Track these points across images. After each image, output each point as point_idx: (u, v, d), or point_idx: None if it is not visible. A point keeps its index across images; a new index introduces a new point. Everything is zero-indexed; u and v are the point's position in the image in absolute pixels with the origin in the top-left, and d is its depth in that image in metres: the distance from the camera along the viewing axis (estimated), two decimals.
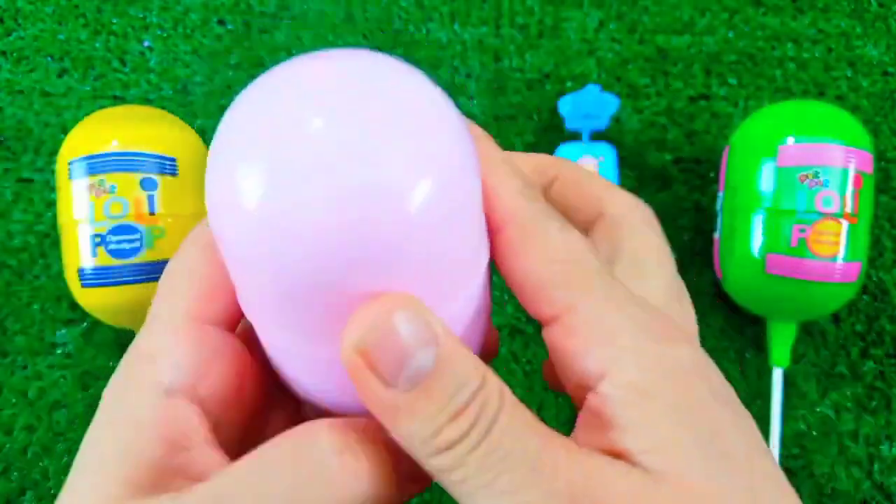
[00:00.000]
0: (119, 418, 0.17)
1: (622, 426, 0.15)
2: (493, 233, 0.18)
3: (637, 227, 0.21)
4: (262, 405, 0.20)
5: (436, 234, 0.14)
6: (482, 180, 0.17)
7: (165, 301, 0.18)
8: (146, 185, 0.37)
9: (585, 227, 0.22)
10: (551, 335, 0.17)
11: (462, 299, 0.17)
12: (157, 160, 0.38)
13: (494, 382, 0.15)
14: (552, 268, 0.17)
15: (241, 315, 0.18)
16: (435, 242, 0.15)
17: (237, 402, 0.18)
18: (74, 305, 0.45)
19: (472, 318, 0.18)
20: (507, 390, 0.15)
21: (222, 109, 0.55)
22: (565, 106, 0.45)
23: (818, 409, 0.45)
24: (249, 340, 0.19)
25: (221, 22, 0.51)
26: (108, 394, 0.17)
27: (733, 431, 0.16)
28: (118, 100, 0.49)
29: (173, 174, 0.38)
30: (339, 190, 0.13)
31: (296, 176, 0.13)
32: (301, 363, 0.17)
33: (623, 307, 0.16)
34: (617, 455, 0.15)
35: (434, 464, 0.15)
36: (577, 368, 0.16)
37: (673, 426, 0.15)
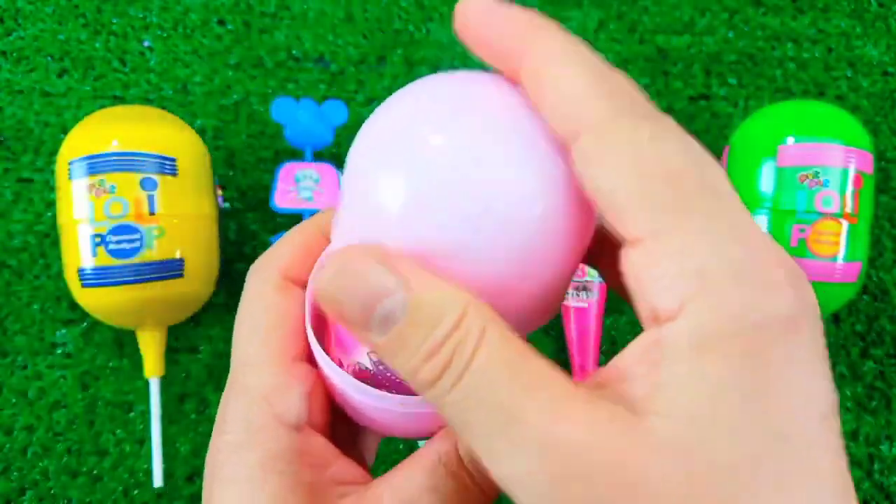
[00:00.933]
0: (252, 459, 0.18)
1: (658, 383, 0.13)
2: (568, 142, 0.15)
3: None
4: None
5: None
6: (547, 74, 0.15)
7: (258, 343, 0.20)
8: (146, 185, 0.37)
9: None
10: (629, 256, 0.14)
11: (539, 286, 0.17)
12: (157, 160, 0.38)
13: (476, 318, 0.14)
14: (641, 184, 0.14)
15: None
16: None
17: (330, 423, 0.20)
18: (74, 305, 0.45)
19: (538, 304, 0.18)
20: (493, 326, 0.14)
21: (222, 109, 0.55)
22: None
23: None
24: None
25: (221, 22, 0.51)
26: (224, 439, 0.19)
27: (801, 443, 0.13)
28: (118, 100, 0.49)
29: (173, 174, 0.38)
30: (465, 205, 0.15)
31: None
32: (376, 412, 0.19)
33: (719, 243, 0.14)
34: (632, 408, 0.13)
35: (427, 399, 0.15)
36: (648, 299, 0.14)
37: (713, 406, 0.13)
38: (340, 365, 0.20)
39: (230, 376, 0.20)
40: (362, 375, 0.19)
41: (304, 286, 0.21)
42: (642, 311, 0.15)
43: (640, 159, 0.14)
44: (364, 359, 0.19)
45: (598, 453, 0.13)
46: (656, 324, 0.14)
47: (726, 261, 0.14)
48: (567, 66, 0.16)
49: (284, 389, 0.19)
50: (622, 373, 0.14)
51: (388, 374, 0.19)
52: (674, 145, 0.15)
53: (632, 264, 0.14)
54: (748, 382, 0.13)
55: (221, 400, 0.19)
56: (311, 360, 0.20)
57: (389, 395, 0.18)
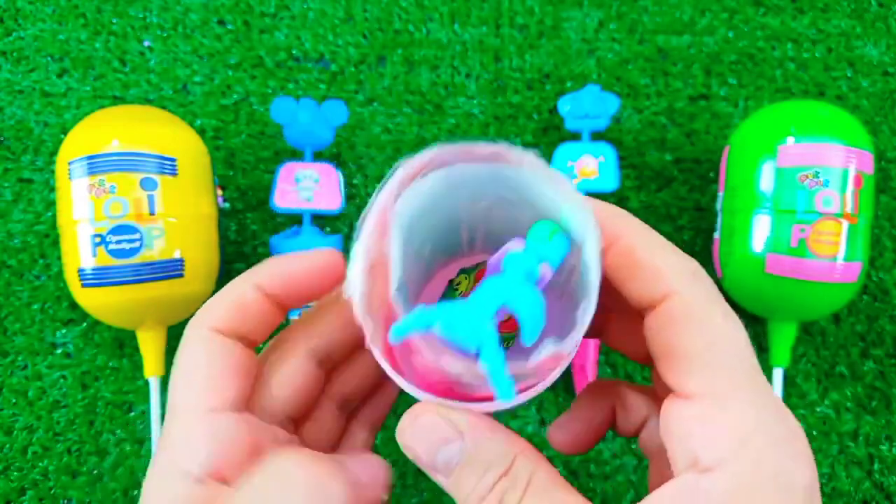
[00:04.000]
0: None
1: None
2: (648, 307, 0.19)
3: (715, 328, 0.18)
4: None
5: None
6: (643, 257, 0.19)
7: (179, 393, 0.21)
8: (146, 185, 0.37)
9: (641, 306, 0.19)
10: (681, 407, 0.18)
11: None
12: (157, 160, 0.38)
13: (523, 467, 0.18)
14: (709, 349, 0.17)
15: (247, 395, 0.22)
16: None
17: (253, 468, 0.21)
18: (74, 305, 0.45)
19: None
20: (539, 475, 0.18)
21: (222, 109, 0.55)
22: (565, 106, 0.45)
23: (818, 409, 0.45)
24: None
25: (221, 22, 0.51)
26: (147, 485, 0.20)
27: None
28: (118, 100, 0.49)
29: (173, 174, 0.38)
30: None
31: None
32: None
33: (763, 414, 0.17)
34: None
35: None
36: (692, 448, 0.17)
37: None
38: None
39: (164, 420, 0.21)
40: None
41: (236, 338, 0.22)
42: (681, 455, 0.17)
43: (713, 330, 0.18)
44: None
45: None
46: (695, 471, 0.17)
47: (767, 430, 0.17)
48: (652, 238, 0.20)
49: (191, 440, 0.20)
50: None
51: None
52: (737, 325, 0.18)
53: (681, 415, 0.17)
54: None
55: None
56: (243, 409, 0.21)
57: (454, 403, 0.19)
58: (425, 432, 0.18)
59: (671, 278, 0.18)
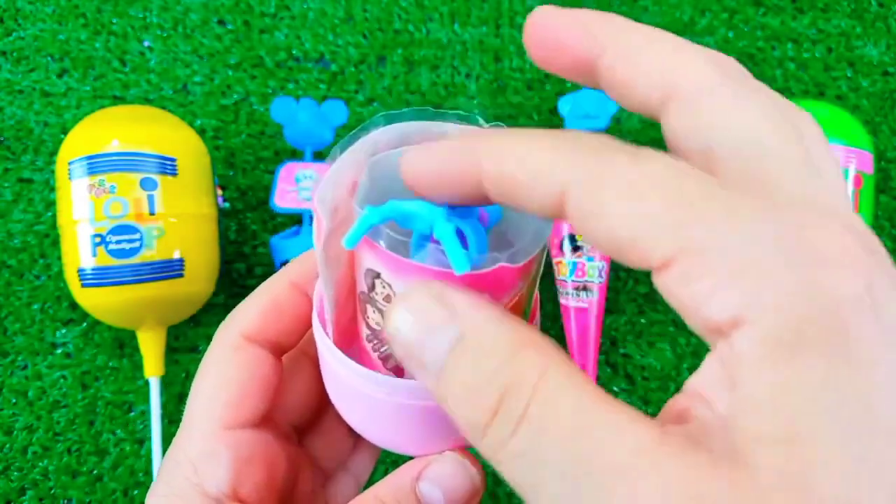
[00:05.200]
0: None
1: (744, 408, 0.12)
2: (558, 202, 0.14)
3: (731, 106, 0.14)
4: (292, 476, 0.22)
5: None
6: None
7: (200, 407, 0.20)
8: (146, 185, 0.37)
9: (649, 110, 0.16)
10: (664, 282, 0.13)
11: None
12: (157, 160, 0.38)
13: (533, 361, 0.13)
14: (642, 214, 0.13)
15: (272, 406, 0.21)
16: None
17: (270, 489, 0.20)
18: (74, 305, 0.45)
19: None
20: (556, 371, 0.13)
21: (222, 109, 0.55)
22: (565, 106, 0.45)
23: None
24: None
25: (221, 22, 0.51)
26: (151, 500, 0.19)
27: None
28: (118, 100, 0.49)
29: (173, 174, 0.38)
30: None
31: None
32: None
33: (749, 227, 0.12)
34: (730, 451, 0.12)
35: (483, 450, 0.13)
36: (704, 317, 0.12)
37: (813, 415, 0.11)
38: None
39: (178, 432, 0.20)
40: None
41: (268, 346, 0.21)
42: (702, 328, 0.13)
43: (630, 188, 0.13)
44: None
45: None
46: (722, 336, 0.12)
47: (769, 248, 0.12)
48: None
49: (211, 457, 0.19)
50: (700, 398, 0.13)
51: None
52: (656, 158, 0.14)
53: (669, 289, 0.13)
54: (840, 381, 0.11)
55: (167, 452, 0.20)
56: (259, 425, 0.21)
57: (373, 372, 0.19)
58: (414, 316, 0.14)
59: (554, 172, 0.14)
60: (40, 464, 0.43)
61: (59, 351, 0.44)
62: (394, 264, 0.17)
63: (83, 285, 0.37)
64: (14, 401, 0.44)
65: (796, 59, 0.50)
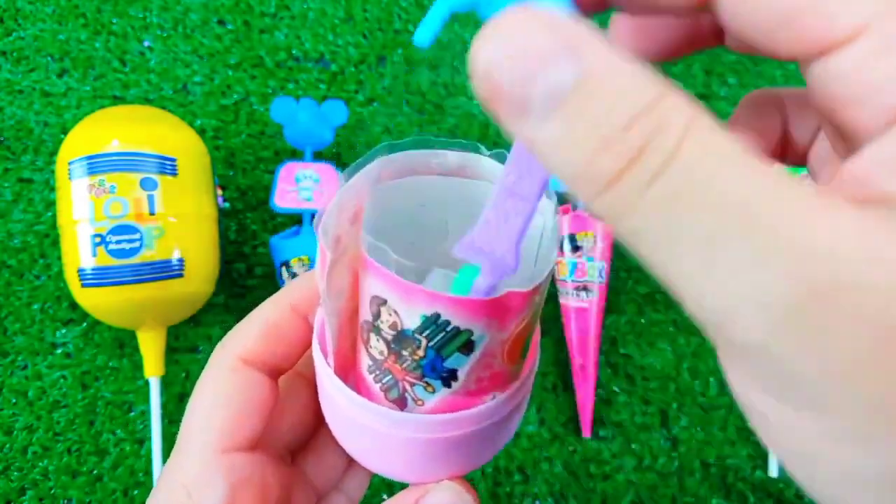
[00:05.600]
0: None
1: None
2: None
3: None
4: (285, 497, 0.22)
5: None
6: None
7: (196, 429, 0.20)
8: (146, 185, 0.37)
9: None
10: (836, 68, 0.11)
11: None
12: (157, 160, 0.38)
13: (677, 101, 0.11)
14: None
15: (267, 429, 0.21)
16: None
17: None
18: (74, 305, 0.45)
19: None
20: (703, 116, 0.11)
21: (222, 109, 0.55)
22: None
23: None
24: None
25: (221, 22, 0.51)
26: None
27: None
28: (118, 100, 0.49)
29: (173, 174, 0.38)
30: None
31: None
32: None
33: None
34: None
35: (600, 210, 0.11)
36: (881, 100, 0.11)
37: None
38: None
39: (172, 453, 0.20)
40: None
41: (265, 369, 0.21)
42: (867, 119, 0.11)
43: None
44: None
45: (878, 263, 0.10)
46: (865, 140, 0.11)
47: None
48: None
49: (206, 482, 0.19)
50: (872, 170, 0.11)
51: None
52: None
53: (845, 72, 0.11)
54: None
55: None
56: (254, 448, 0.21)
57: (375, 405, 0.19)
58: (516, 43, 0.11)
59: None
60: (40, 464, 0.43)
61: (59, 351, 0.44)
62: (402, 290, 0.17)
63: (83, 285, 0.37)
64: (14, 401, 0.44)
65: None
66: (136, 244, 0.37)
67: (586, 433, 0.43)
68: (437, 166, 0.19)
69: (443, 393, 0.19)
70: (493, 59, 0.11)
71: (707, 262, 0.10)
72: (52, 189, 0.47)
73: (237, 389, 0.20)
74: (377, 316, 0.18)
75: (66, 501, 0.42)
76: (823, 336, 0.10)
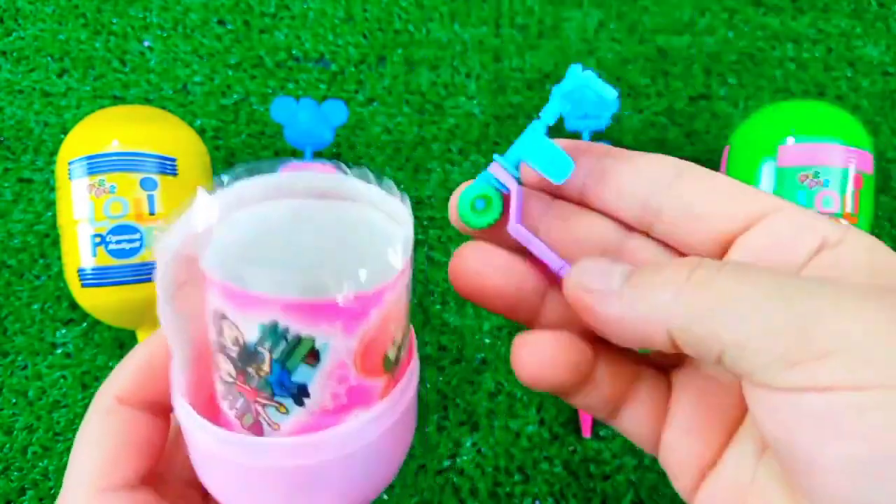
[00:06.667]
0: None
1: None
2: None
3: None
4: None
5: None
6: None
7: (73, 473, 0.20)
8: (146, 185, 0.37)
9: (722, 245, 0.19)
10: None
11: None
12: (157, 160, 0.38)
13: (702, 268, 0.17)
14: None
15: (161, 464, 0.20)
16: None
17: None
18: (74, 305, 0.45)
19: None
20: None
21: (222, 109, 0.55)
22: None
23: None
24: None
25: (221, 22, 0.51)
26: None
27: None
28: (118, 100, 0.49)
29: (173, 174, 0.38)
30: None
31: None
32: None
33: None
34: None
35: (682, 306, 0.16)
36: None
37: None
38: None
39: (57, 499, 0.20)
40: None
41: (145, 406, 0.20)
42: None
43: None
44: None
45: None
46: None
47: None
48: None
49: None
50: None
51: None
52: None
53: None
54: None
55: None
56: (140, 485, 0.20)
57: (227, 432, 0.18)
58: (591, 266, 0.19)
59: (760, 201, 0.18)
60: (40, 464, 0.43)
61: (59, 351, 0.44)
62: (236, 299, 0.16)
63: (83, 285, 0.37)
64: (14, 401, 0.44)
65: (796, 59, 0.50)
66: (137, 244, 0.37)
67: (586, 433, 0.43)
68: (305, 190, 0.19)
69: (297, 413, 0.17)
70: (580, 280, 0.19)
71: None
72: (52, 189, 0.47)
73: (112, 430, 0.20)
74: (220, 332, 0.17)
75: None
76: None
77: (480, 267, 0.21)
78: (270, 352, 0.17)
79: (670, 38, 0.50)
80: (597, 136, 0.47)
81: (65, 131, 0.47)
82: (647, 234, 0.21)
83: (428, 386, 0.44)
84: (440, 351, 0.45)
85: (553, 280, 0.21)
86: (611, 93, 0.20)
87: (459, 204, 0.21)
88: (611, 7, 0.50)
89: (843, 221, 0.37)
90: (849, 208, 0.38)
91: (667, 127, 0.48)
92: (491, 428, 0.44)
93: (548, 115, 0.21)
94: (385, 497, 0.43)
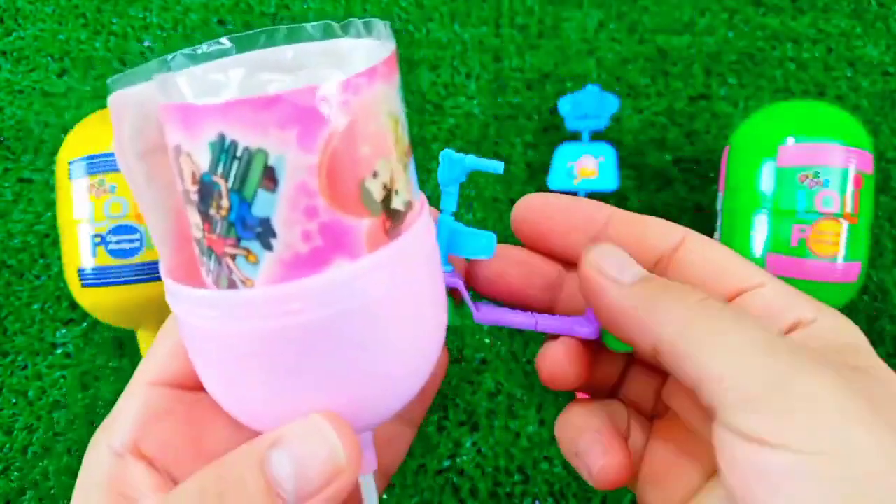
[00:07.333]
0: (83, 481, 0.19)
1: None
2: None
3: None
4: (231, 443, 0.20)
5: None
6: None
7: (138, 368, 0.20)
8: None
9: (654, 271, 0.21)
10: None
11: None
12: None
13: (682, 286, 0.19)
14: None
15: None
16: None
17: (194, 453, 0.19)
18: (74, 305, 0.45)
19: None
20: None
21: None
22: (565, 106, 0.45)
23: None
24: None
25: (221, 22, 0.51)
26: (86, 455, 0.19)
27: None
28: None
29: None
30: None
31: None
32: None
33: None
34: None
35: (676, 327, 0.18)
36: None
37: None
38: None
39: None
40: None
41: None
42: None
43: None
44: None
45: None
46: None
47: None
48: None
49: (119, 412, 0.19)
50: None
51: None
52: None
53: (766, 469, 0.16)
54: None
55: None
56: (191, 387, 0.20)
57: (197, 291, 0.16)
58: (612, 251, 0.20)
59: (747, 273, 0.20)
60: (40, 464, 0.43)
61: (59, 351, 0.44)
62: (183, 116, 0.15)
63: (83, 285, 0.37)
64: (14, 401, 0.44)
65: (796, 59, 0.50)
66: (136, 244, 0.37)
67: None
68: (276, 64, 0.16)
69: (267, 261, 0.15)
70: (601, 258, 0.20)
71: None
72: (52, 189, 0.47)
73: (174, 330, 0.20)
74: (181, 174, 0.16)
75: (66, 501, 0.42)
76: None
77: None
78: (225, 179, 0.15)
79: (670, 38, 0.50)
80: (596, 136, 0.47)
81: (65, 131, 0.47)
82: None
83: None
84: None
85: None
86: (496, 165, 0.21)
87: None
88: (611, 7, 0.50)
89: (844, 221, 0.37)
90: (849, 208, 0.38)
91: (667, 127, 0.48)
92: (491, 428, 0.44)
93: (448, 206, 0.21)
94: (385, 497, 0.43)
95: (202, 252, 0.16)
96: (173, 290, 0.17)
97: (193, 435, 0.19)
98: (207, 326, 0.16)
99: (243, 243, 0.15)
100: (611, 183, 0.44)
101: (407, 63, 0.50)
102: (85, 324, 0.45)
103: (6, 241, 0.46)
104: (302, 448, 0.16)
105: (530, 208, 0.22)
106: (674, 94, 0.49)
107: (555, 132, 0.49)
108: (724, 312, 0.18)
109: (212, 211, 0.15)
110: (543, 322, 0.22)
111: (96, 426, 0.45)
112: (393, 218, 0.16)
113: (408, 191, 0.17)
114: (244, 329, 0.16)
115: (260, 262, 0.15)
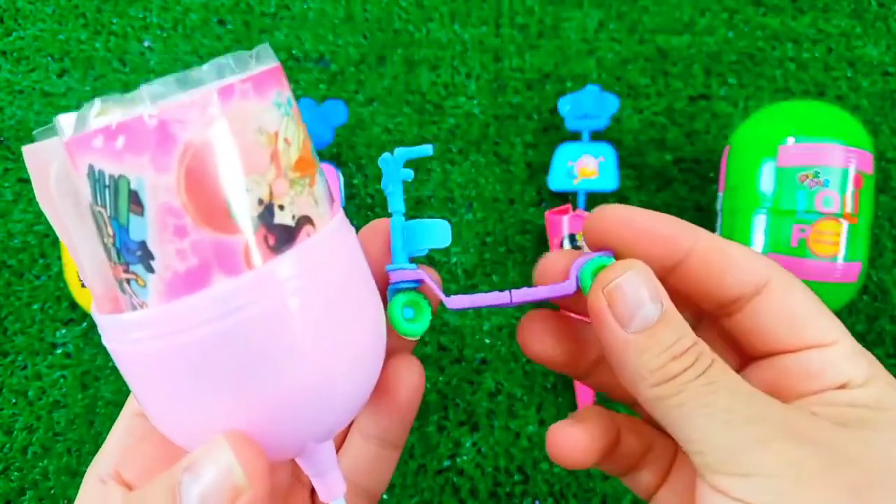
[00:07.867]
0: None
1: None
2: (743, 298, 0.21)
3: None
4: None
5: None
6: None
7: (128, 399, 0.22)
8: None
9: (728, 309, 0.21)
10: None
11: None
12: None
13: (706, 345, 0.19)
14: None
15: None
16: None
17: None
18: (74, 305, 0.45)
19: None
20: (720, 361, 0.19)
21: None
22: (565, 106, 0.45)
23: None
24: None
25: (221, 22, 0.51)
26: (80, 487, 0.20)
27: None
28: None
29: None
30: None
31: None
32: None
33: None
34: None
35: (654, 392, 0.18)
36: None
37: None
38: None
39: None
40: None
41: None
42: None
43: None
44: None
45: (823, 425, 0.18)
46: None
47: None
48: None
49: (108, 441, 0.20)
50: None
51: None
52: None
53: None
54: None
55: None
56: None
57: (104, 315, 0.17)
58: (629, 287, 0.19)
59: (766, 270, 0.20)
60: (40, 464, 0.43)
61: (59, 351, 0.44)
62: (68, 147, 0.15)
63: (83, 285, 0.37)
64: (14, 401, 0.44)
65: (796, 59, 0.50)
66: None
67: None
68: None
69: (153, 283, 0.15)
70: (615, 294, 0.19)
71: (726, 425, 0.18)
72: None
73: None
74: (87, 205, 0.16)
75: (66, 501, 0.42)
76: None
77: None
78: (105, 207, 0.15)
79: (670, 38, 0.50)
80: (596, 136, 0.47)
81: None
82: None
83: (428, 386, 0.44)
84: (440, 351, 0.45)
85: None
86: (426, 149, 0.21)
87: (391, 318, 0.20)
88: (611, 7, 0.50)
89: (844, 221, 0.37)
90: (849, 208, 0.38)
91: (667, 127, 0.48)
92: (491, 428, 0.44)
93: (396, 206, 0.21)
94: (385, 497, 0.43)
95: (113, 282, 0.17)
96: (96, 319, 0.18)
97: (169, 458, 0.19)
98: (119, 350, 0.17)
99: (132, 268, 0.16)
100: (611, 183, 0.44)
101: (407, 63, 0.50)
102: (85, 324, 0.45)
103: (6, 241, 0.46)
104: (205, 470, 0.16)
105: (611, 219, 0.21)
106: (674, 94, 0.49)
107: (555, 132, 0.49)
108: (724, 382, 0.19)
109: (105, 240, 0.16)
110: (518, 295, 0.21)
111: (96, 426, 0.46)
112: (277, 233, 0.16)
113: (303, 205, 0.17)
114: (141, 350, 0.16)
115: (147, 285, 0.16)
